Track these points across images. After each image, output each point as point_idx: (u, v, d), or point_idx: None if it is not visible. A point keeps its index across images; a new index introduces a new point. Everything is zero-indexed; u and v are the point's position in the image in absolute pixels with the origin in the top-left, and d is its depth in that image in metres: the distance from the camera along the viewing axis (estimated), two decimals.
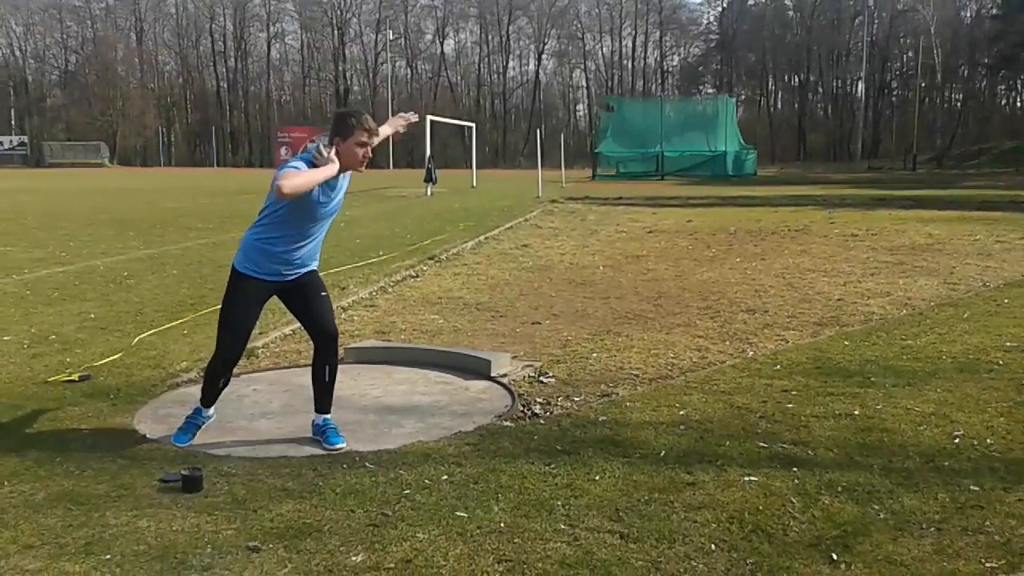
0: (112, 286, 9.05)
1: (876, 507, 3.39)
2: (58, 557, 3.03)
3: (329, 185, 4.12)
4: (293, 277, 4.29)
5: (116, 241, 13.47)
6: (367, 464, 3.92)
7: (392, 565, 2.95)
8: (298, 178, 3.92)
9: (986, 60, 72.32)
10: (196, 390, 4.38)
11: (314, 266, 4.40)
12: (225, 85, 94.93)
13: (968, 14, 77.91)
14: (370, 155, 4.18)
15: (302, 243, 4.23)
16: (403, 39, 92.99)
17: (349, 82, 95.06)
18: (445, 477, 3.74)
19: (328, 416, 4.34)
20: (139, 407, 4.84)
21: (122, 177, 48.62)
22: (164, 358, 5.88)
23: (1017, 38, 61.18)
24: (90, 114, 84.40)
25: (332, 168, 4.04)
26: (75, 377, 5.38)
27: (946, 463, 3.86)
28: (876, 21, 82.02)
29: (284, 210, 4.14)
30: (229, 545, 3.11)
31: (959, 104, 77.60)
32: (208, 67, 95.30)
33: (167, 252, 12.00)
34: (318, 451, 4.13)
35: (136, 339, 6.50)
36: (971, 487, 3.57)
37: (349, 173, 4.26)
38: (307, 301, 4.34)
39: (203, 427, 4.36)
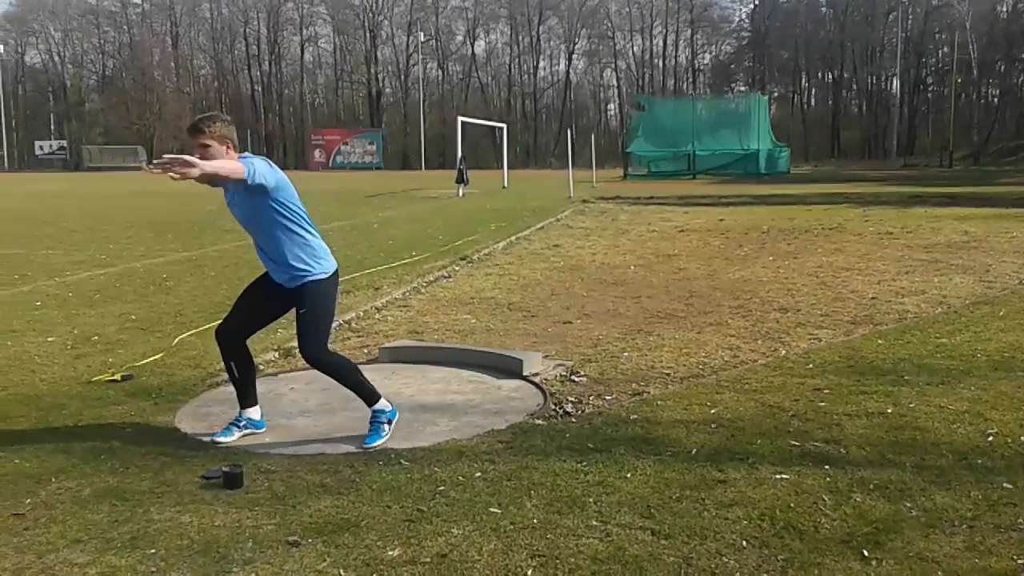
0: (152, 288, 9.22)
1: (908, 504, 3.40)
2: (105, 551, 3.13)
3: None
4: (282, 284, 4.31)
5: (155, 243, 13.70)
6: (402, 461, 3.99)
7: (428, 559, 3.02)
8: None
9: (1023, 55, 71.13)
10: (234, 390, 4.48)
11: (286, 279, 4.26)
12: (259, 88, 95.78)
13: (1004, 8, 76.62)
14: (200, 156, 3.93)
15: (257, 247, 4.34)
16: (434, 41, 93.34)
17: (381, 84, 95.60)
18: (479, 474, 3.80)
19: (376, 406, 4.35)
20: (180, 406, 4.96)
21: (160, 180, 49.19)
22: (204, 358, 5.99)
23: None
24: (127, 118, 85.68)
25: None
26: (118, 377, 5.52)
27: (979, 461, 3.86)
28: (910, 16, 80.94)
29: None
30: (269, 540, 3.19)
31: (996, 100, 76.41)
32: (243, 71, 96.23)
33: (205, 254, 12.18)
34: (354, 448, 4.21)
35: (176, 339, 6.63)
36: (1004, 484, 3.57)
37: (240, 185, 4.03)
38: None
39: (246, 431, 4.39)
